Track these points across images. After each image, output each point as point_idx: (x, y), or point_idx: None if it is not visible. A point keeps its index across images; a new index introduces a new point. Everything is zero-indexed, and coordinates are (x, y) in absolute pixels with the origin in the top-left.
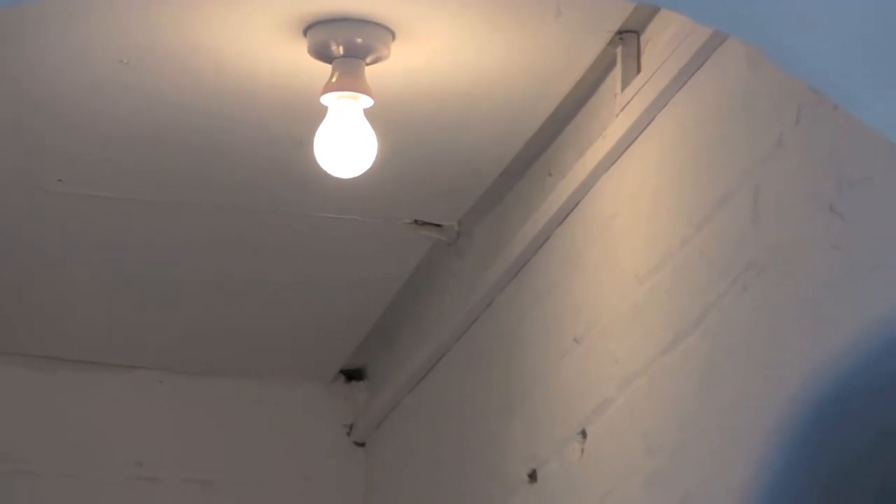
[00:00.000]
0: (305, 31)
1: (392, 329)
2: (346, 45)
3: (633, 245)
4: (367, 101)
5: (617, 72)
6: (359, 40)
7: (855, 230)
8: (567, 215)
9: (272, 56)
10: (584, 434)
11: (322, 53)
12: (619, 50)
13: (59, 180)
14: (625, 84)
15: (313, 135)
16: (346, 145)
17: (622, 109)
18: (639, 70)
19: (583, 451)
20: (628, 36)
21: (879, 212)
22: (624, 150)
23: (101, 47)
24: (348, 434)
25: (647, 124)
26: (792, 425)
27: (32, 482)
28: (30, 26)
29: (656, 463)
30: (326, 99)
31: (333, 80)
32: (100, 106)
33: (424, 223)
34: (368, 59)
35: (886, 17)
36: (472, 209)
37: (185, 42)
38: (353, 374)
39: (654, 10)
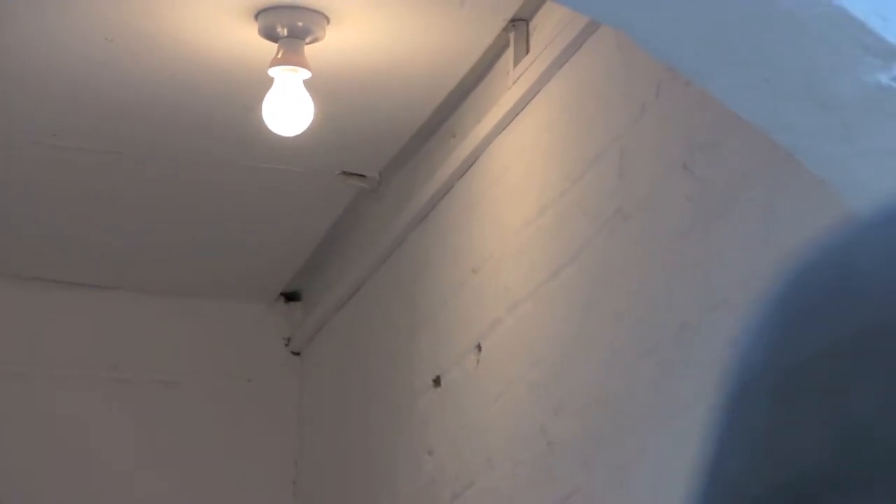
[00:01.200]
0: (256, 16)
1: (324, 259)
2: (289, 28)
3: (521, 194)
4: (305, 74)
5: (510, 52)
6: (300, 24)
7: (704, 185)
8: (467, 169)
9: (229, 36)
10: (479, 348)
11: (269, 34)
12: (511, 35)
13: (54, 135)
14: (516, 62)
15: (261, 101)
16: (288, 109)
17: (514, 83)
18: (527, 51)
19: (478, 361)
20: (519, 23)
21: (724, 170)
22: (514, 117)
23: (89, 25)
24: (286, 345)
25: (534, 96)
26: (650, 345)
27: (24, 382)
28: (26, 5)
29: (538, 372)
30: (272, 71)
31: (278, 56)
32: (87, 74)
33: (351, 174)
34: (308, 40)
35: (728, 9)
36: (391, 163)
37: (157, 24)
38: (291, 296)
39: (541, 2)
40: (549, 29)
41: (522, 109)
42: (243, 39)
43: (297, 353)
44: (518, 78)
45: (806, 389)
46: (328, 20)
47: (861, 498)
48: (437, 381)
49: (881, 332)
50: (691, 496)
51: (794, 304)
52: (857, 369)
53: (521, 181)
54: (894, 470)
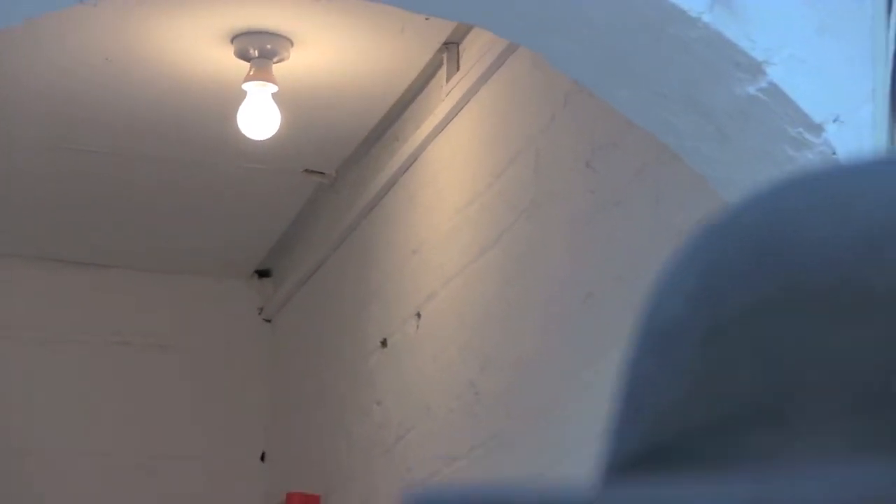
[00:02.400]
0: (232, 40)
1: (290, 242)
2: (259, 50)
3: (454, 188)
4: (273, 88)
5: (443, 70)
6: (268, 46)
7: (604, 179)
8: (409, 167)
9: (209, 57)
10: (418, 315)
11: (243, 55)
12: (444, 55)
13: (63, 139)
14: (448, 78)
15: (236, 111)
16: (258, 118)
17: (447, 95)
18: (458, 69)
19: (418, 326)
20: (451, 45)
21: (621, 167)
22: (448, 124)
23: (92, 48)
24: (260, 314)
25: (464, 106)
26: (560, 312)
27: (39, 346)
28: (33, 32)
29: (467, 336)
30: (246, 86)
31: (251, 73)
32: (90, 89)
33: (312, 171)
34: (275, 60)
35: (624, 34)
36: (345, 162)
37: (149, 46)
38: (263, 273)
39: (469, 27)
40: (476, 50)
41: (454, 117)
42: (221, 60)
43: (269, 321)
44: (450, 91)
45: (735, 338)
46: (292, 43)
47: (791, 430)
48: (384, 343)
49: (811, 289)
50: (612, 425)
51: (724, 256)
52: (787, 322)
53: (453, 177)
54: (822, 408)
